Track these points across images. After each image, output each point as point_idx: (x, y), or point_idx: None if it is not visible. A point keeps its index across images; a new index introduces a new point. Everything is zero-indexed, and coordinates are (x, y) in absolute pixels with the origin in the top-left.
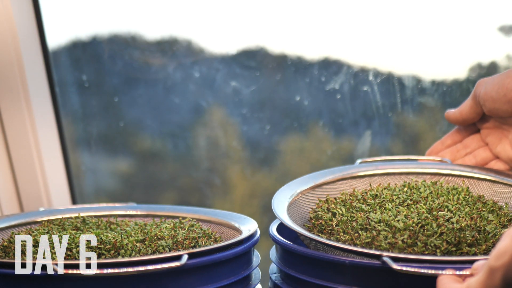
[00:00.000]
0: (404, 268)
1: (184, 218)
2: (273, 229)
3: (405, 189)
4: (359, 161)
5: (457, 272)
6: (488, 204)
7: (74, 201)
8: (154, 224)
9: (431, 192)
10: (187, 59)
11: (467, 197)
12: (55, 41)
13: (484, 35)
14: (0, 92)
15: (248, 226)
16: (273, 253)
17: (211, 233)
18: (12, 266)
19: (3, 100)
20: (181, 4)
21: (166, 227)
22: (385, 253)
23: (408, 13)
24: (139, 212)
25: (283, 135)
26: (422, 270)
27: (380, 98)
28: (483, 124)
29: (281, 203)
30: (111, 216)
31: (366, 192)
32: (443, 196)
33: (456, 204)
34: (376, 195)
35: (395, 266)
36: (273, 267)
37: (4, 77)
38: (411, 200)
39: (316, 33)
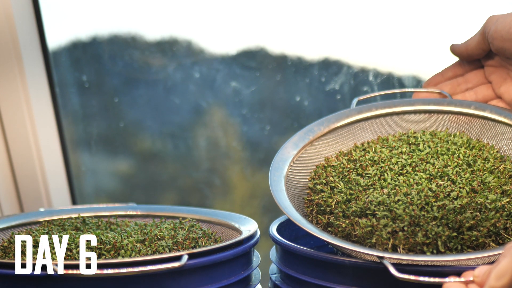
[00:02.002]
0: (405, 277)
1: (184, 218)
2: (273, 229)
3: (404, 147)
4: (355, 100)
5: (460, 279)
6: (490, 161)
7: (74, 202)
8: (154, 225)
9: (430, 150)
10: (187, 60)
11: (467, 152)
12: (55, 41)
13: None
14: (0, 92)
15: (248, 227)
16: (273, 253)
17: (211, 234)
18: (12, 266)
19: (3, 100)
20: (181, 4)
21: (166, 227)
22: (386, 255)
23: (408, 13)
24: (139, 213)
25: (283, 135)
26: (424, 279)
27: (380, 98)
28: (488, 61)
29: (278, 173)
30: (111, 216)
31: (364, 154)
32: (442, 155)
33: (456, 168)
34: (375, 160)
35: (396, 274)
36: (273, 268)
37: (4, 77)
38: (410, 165)
39: (316, 33)
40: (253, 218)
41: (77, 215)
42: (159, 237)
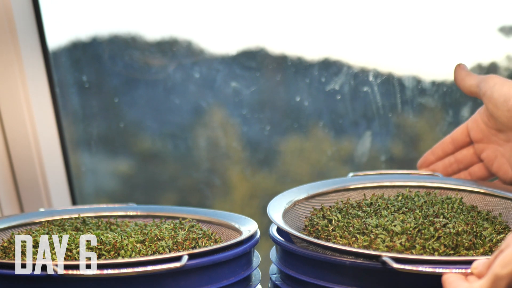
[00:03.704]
0: (404, 267)
1: (184, 218)
2: (273, 229)
3: (399, 198)
4: (351, 174)
5: (459, 270)
6: (482, 213)
7: (74, 202)
8: (154, 225)
9: (425, 202)
10: (187, 60)
11: (461, 206)
12: (55, 41)
13: (484, 35)
14: (0, 92)
15: (248, 227)
16: (273, 253)
17: (211, 234)
18: (12, 266)
19: (3, 100)
20: (181, 4)
21: (166, 227)
22: (384, 254)
23: (408, 13)
24: (139, 213)
25: (283, 135)
26: (424, 269)
27: (380, 98)
28: (477, 137)
29: (276, 212)
30: (111, 216)
31: (361, 201)
32: (437, 204)
33: (451, 212)
34: (371, 203)
35: (395, 265)
36: (273, 268)
37: (4, 77)
38: (406, 208)
39: (316, 34)
40: (253, 218)
41: (77, 215)
42: (159, 237)
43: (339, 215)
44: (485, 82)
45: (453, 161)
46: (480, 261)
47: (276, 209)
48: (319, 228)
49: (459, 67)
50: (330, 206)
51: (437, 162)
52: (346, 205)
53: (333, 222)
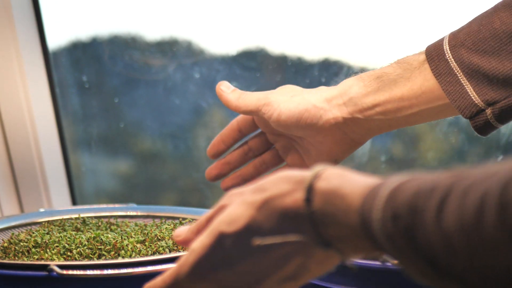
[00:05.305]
0: None
1: (184, 219)
2: None
3: None
4: None
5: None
6: None
7: (74, 202)
8: (154, 225)
9: None
10: (187, 60)
11: None
12: (55, 41)
13: None
14: (0, 92)
15: None
16: None
17: None
18: (12, 266)
19: (4, 100)
20: (181, 4)
21: (166, 228)
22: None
23: (408, 13)
24: (139, 213)
25: None
26: None
27: None
28: (265, 129)
29: None
30: (111, 217)
31: None
32: None
33: None
34: None
35: (395, 261)
36: None
37: (5, 78)
38: None
39: (316, 34)
40: None
41: (77, 216)
42: (159, 237)
43: None
44: (268, 105)
45: (248, 149)
46: (182, 228)
47: None
48: None
49: (221, 90)
50: None
51: (229, 150)
52: None
53: None
